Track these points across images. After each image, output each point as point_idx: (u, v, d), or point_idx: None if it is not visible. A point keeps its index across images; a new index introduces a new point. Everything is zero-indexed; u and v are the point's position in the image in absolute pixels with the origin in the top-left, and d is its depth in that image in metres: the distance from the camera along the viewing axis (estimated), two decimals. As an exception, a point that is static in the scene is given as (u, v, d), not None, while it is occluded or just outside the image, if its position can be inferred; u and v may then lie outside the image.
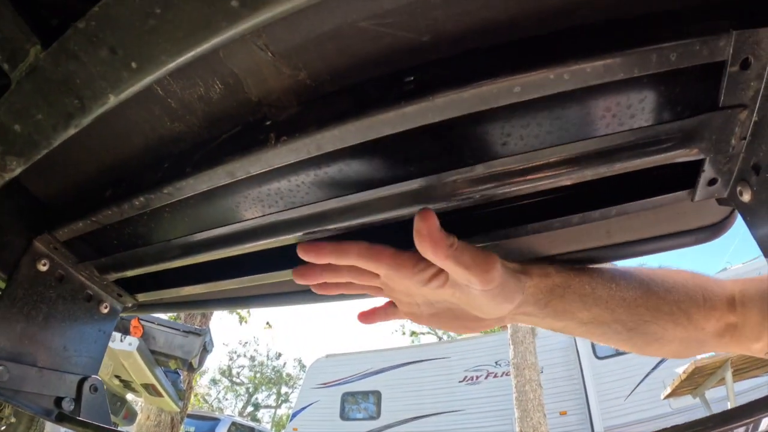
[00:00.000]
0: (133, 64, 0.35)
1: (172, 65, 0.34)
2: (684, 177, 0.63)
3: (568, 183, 0.58)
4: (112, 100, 0.39)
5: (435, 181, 0.59)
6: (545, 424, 6.99)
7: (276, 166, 0.58)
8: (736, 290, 0.66)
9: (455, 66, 0.50)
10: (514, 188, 0.58)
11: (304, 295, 1.03)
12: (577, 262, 0.73)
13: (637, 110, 0.57)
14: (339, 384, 11.96)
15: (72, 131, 0.44)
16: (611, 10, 0.50)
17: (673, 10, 0.50)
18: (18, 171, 0.54)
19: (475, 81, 0.46)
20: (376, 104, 0.49)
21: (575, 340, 9.00)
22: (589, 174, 0.57)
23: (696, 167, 0.60)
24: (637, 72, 0.49)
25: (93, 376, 1.01)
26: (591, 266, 0.69)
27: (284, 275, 0.85)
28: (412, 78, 0.50)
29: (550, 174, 0.57)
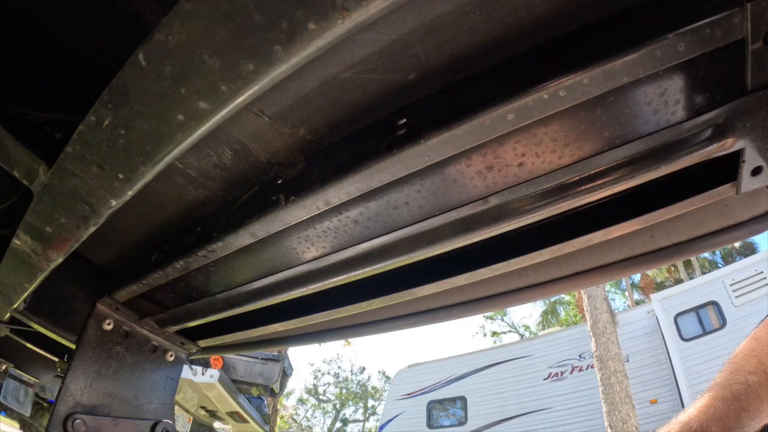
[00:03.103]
0: (120, 176, 0.38)
1: (153, 171, 0.37)
2: (725, 171, 0.58)
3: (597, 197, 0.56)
4: (116, 204, 0.42)
5: (455, 216, 0.58)
6: (634, 416, 6.55)
7: (292, 224, 0.59)
8: None
9: (445, 101, 0.48)
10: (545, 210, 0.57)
11: (343, 330, 1.06)
12: (622, 271, 0.69)
13: (660, 105, 0.53)
14: (423, 393, 11.88)
15: (92, 229, 0.48)
16: (601, 6, 0.46)
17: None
18: (60, 260, 0.58)
19: (465, 115, 0.45)
20: (371, 154, 0.49)
21: (659, 323, 8.38)
22: (616, 188, 0.54)
23: (736, 159, 0.55)
24: (642, 73, 0.45)
25: (164, 420, 1.07)
26: None
27: (329, 315, 0.88)
28: (404, 120, 0.49)
29: (575, 192, 0.54)
